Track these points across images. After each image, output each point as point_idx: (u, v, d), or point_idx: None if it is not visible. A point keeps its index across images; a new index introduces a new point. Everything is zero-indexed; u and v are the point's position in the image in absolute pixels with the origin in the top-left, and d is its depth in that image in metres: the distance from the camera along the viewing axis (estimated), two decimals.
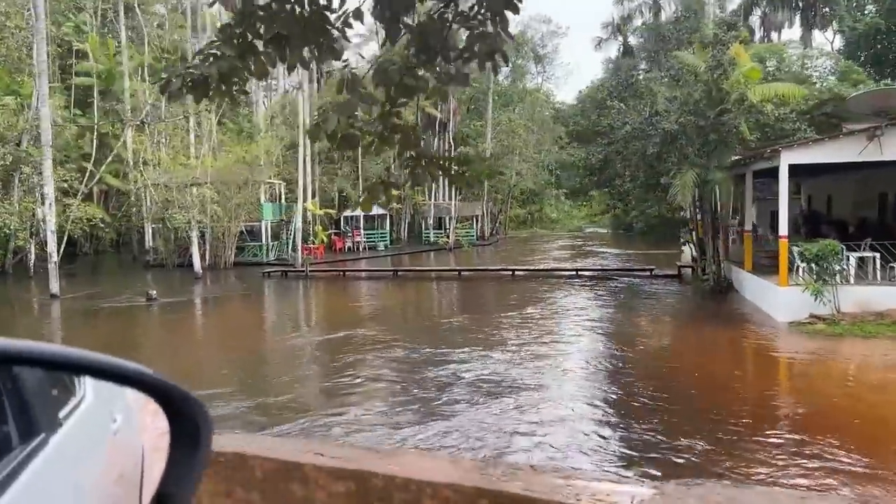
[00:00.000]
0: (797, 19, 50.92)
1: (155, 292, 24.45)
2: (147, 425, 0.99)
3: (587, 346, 15.54)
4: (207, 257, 34.19)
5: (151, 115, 35.90)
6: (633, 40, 59.58)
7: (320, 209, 41.59)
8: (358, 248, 44.05)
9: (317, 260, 35.39)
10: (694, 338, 16.40)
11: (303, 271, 31.87)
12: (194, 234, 31.97)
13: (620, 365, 14.02)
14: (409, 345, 15.72)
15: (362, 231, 45.31)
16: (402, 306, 24.52)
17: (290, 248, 39.05)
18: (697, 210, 23.14)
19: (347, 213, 45.98)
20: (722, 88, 19.84)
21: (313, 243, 38.92)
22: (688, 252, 28.22)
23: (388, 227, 47.77)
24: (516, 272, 29.59)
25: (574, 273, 28.53)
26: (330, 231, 43.13)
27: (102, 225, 35.07)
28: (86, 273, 34.65)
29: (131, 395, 0.96)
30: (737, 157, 19.51)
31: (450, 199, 48.77)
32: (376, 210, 46.52)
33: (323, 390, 12.27)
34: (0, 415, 0.85)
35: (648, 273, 27.51)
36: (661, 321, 19.05)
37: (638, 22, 57.00)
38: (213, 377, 13.26)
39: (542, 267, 32.25)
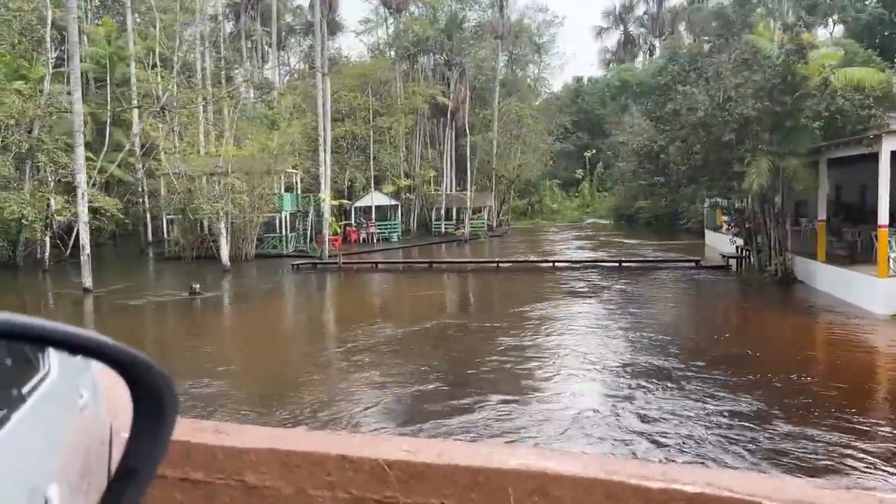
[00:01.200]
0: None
1: (199, 286, 23.39)
2: (115, 400, 0.93)
3: (704, 335, 15.24)
4: (229, 249, 33.05)
5: (167, 103, 34.46)
6: (633, 29, 59.63)
7: (334, 199, 40.58)
8: (371, 240, 43.19)
9: (338, 251, 34.43)
10: (802, 328, 16.15)
11: (333, 263, 30.98)
12: (223, 225, 30.81)
13: (748, 353, 13.65)
14: (513, 332, 15.16)
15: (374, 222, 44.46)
16: (463, 297, 23.95)
17: (308, 239, 38.05)
18: (758, 199, 22.83)
19: (358, 203, 45.07)
20: (798, 73, 19.55)
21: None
22: (721, 241, 28.01)
23: (398, 219, 46.83)
24: (556, 263, 29.13)
25: (617, 264, 28.14)
26: (343, 222, 42.11)
27: (122, 216, 33.60)
28: (96, 266, 33.09)
29: (97, 369, 0.92)
30: (821, 144, 19.24)
31: (462, 189, 48.10)
32: (388, 200, 45.69)
33: (478, 377, 11.64)
34: None
35: (694, 264, 27.29)
36: (751, 312, 18.74)
37: (640, 10, 57.00)
38: (344, 371, 12.58)
39: (581, 258, 31.88)
